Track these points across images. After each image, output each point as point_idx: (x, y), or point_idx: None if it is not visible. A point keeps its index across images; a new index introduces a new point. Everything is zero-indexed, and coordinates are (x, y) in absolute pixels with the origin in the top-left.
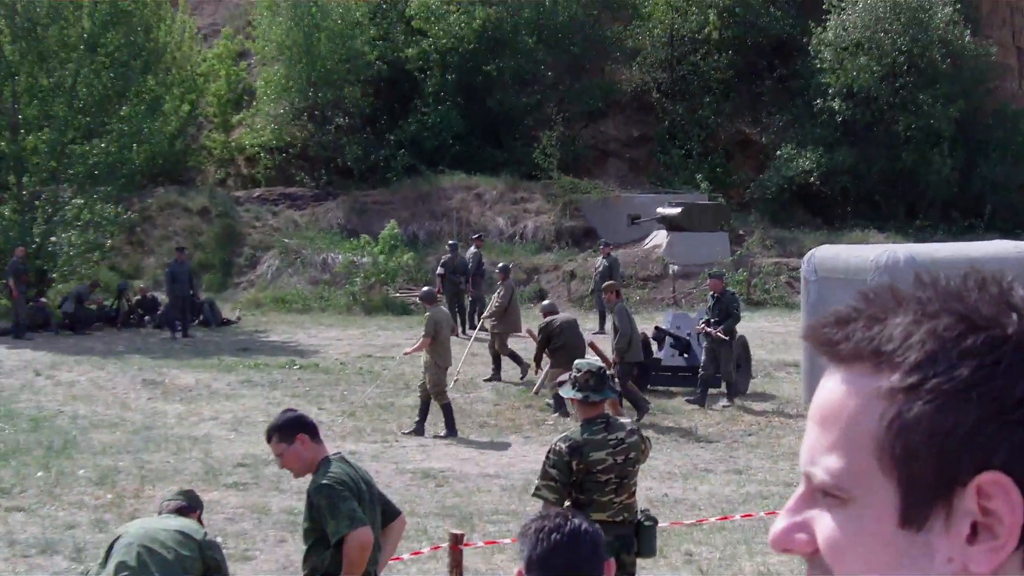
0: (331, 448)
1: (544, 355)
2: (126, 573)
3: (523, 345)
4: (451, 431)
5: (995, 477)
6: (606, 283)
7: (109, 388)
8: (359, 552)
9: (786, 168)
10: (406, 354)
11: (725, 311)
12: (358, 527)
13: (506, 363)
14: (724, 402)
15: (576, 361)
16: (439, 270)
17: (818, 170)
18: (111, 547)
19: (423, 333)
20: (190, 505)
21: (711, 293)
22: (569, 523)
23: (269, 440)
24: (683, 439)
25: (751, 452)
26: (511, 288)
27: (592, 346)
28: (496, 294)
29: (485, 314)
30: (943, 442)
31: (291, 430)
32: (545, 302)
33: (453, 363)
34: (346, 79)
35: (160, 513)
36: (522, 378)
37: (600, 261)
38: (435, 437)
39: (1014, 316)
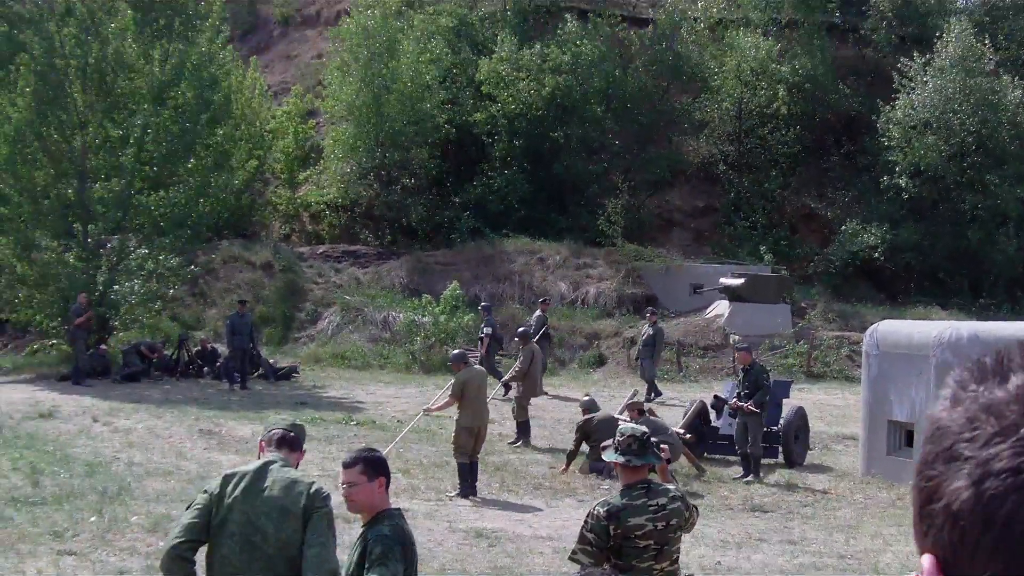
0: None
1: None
2: (230, 571)
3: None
4: (464, 491)
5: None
6: (629, 402)
7: (165, 436)
8: None
9: (851, 243)
10: (427, 412)
11: (755, 383)
12: None
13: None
14: (749, 477)
15: (620, 426)
16: (486, 329)
17: (883, 246)
18: (223, 498)
19: (449, 393)
20: (294, 442)
21: (741, 367)
22: None
23: (352, 466)
24: (737, 508)
25: (806, 523)
26: (531, 352)
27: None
28: (517, 360)
29: (505, 378)
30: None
31: (377, 469)
32: (585, 398)
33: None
34: (414, 141)
35: (264, 444)
36: (512, 443)
37: (646, 329)
38: (448, 497)
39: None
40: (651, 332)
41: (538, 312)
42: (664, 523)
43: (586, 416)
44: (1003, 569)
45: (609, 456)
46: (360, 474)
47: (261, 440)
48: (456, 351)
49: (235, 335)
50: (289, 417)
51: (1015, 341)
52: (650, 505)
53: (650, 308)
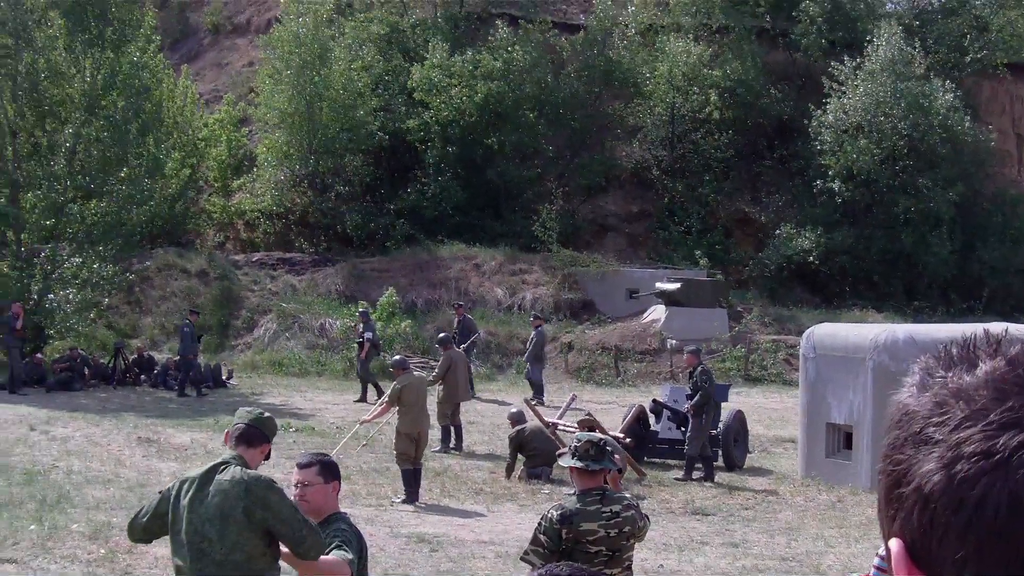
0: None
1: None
2: None
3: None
4: (410, 498)
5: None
6: (580, 420)
7: (104, 444)
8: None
9: (785, 247)
10: (363, 422)
11: (694, 386)
12: (349, 569)
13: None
14: (677, 475)
15: (577, 433)
16: (367, 335)
17: (817, 249)
18: (178, 502)
19: (386, 400)
20: (253, 437)
21: (688, 369)
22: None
23: (308, 467)
24: (679, 511)
25: (747, 526)
26: (449, 359)
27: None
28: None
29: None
30: None
31: (333, 473)
32: (513, 410)
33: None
34: (347, 148)
35: (228, 436)
36: (436, 450)
37: (532, 334)
38: (392, 503)
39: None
40: (533, 337)
41: (457, 318)
42: (616, 530)
43: (516, 428)
44: (973, 551)
45: (566, 461)
46: (317, 475)
47: (227, 431)
48: (396, 357)
49: (190, 342)
50: (256, 409)
51: (976, 331)
52: (603, 512)
53: (534, 313)
